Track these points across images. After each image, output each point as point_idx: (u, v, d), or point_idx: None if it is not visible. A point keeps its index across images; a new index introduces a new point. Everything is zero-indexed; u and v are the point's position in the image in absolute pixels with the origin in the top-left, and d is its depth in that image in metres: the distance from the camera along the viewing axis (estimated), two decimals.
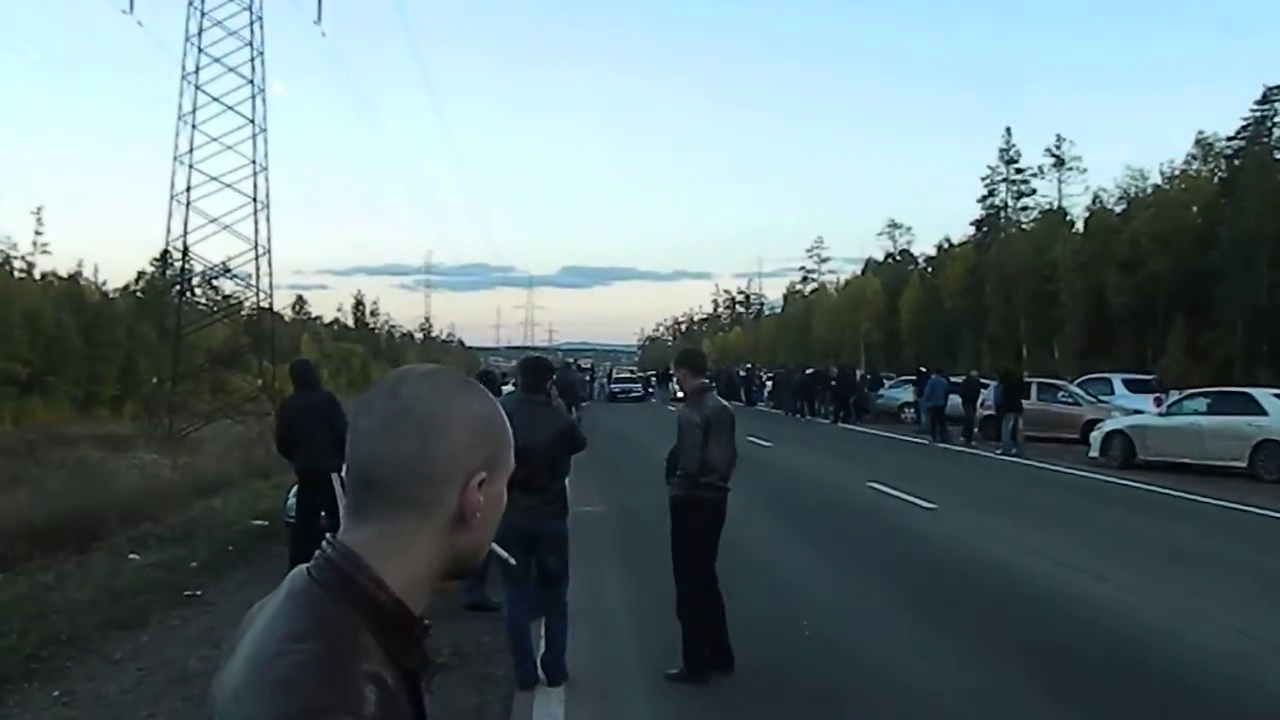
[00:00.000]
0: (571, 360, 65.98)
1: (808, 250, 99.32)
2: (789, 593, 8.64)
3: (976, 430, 24.22)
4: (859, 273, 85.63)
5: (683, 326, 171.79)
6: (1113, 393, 25.71)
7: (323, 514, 8.33)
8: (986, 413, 24.06)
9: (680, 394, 6.61)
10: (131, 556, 9.92)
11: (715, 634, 6.32)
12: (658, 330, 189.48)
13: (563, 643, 6.19)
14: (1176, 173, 49.13)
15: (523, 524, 5.81)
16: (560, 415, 6.30)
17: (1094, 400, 24.32)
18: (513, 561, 1.77)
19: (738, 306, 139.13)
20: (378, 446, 1.09)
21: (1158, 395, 24.83)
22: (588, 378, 49.18)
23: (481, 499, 1.11)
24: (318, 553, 1.09)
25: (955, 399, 25.07)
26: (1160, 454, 17.94)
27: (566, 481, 6.37)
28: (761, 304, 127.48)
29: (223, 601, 8.25)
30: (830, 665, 6.54)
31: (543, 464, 5.87)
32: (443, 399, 1.12)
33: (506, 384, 19.49)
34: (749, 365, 58.82)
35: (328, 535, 1.12)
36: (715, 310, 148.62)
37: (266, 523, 11.54)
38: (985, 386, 24.94)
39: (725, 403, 6.64)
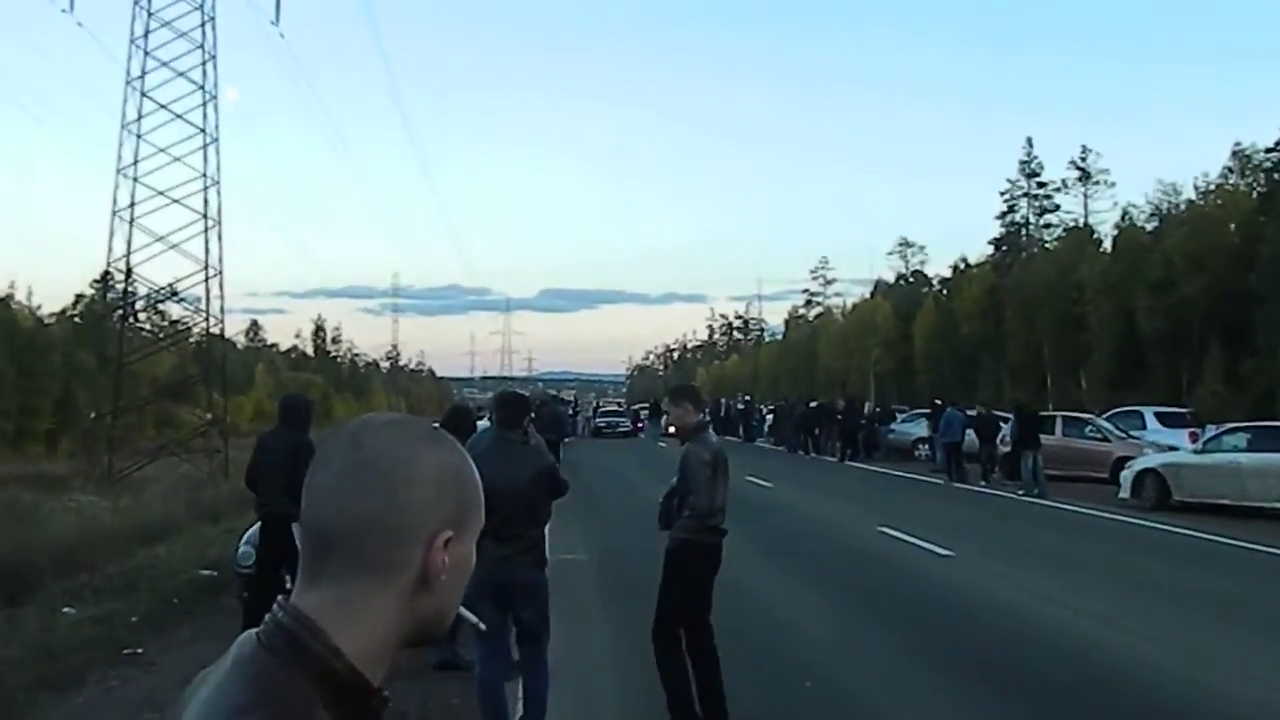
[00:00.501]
0: (553, 391, 66.04)
1: (811, 271, 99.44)
2: (790, 645, 8.64)
3: (997, 470, 24.27)
4: (867, 295, 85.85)
5: (675, 354, 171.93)
6: (1144, 427, 25.78)
7: (282, 567, 8.28)
8: (1007, 449, 24.12)
9: (671, 429, 6.70)
10: (66, 610, 9.84)
11: (713, 693, 6.31)
12: (647, 359, 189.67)
13: (542, 706, 6.16)
14: (1212, 187, 49.46)
15: (496, 576, 5.78)
16: (539, 456, 6.30)
17: (1124, 435, 24.38)
18: (482, 626, 1.78)
19: (735, 332, 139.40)
20: (336, 501, 1.10)
21: (1193, 430, 24.92)
22: (570, 411, 49.12)
23: (447, 560, 1.11)
24: (268, 616, 1.10)
25: (974, 435, 25.15)
26: (1197, 495, 17.98)
27: (546, 529, 6.37)
28: (761, 330, 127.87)
29: (166, 661, 8.19)
30: None
31: (518, 509, 5.84)
32: (408, 450, 1.12)
33: (482, 418, 19.46)
34: (747, 397, 58.89)
35: (279, 598, 1.12)
36: (711, 336, 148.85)
37: (215, 573, 11.47)
38: (1006, 421, 24.99)
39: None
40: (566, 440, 31.24)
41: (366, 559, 1.09)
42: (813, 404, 40.81)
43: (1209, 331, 44.92)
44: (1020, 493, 21.26)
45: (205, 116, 33.74)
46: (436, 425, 1.20)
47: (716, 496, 6.31)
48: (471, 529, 1.17)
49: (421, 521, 1.10)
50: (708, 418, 6.76)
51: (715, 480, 6.28)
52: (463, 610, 1.22)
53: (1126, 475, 19.56)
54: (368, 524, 1.09)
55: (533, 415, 8.28)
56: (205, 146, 33.47)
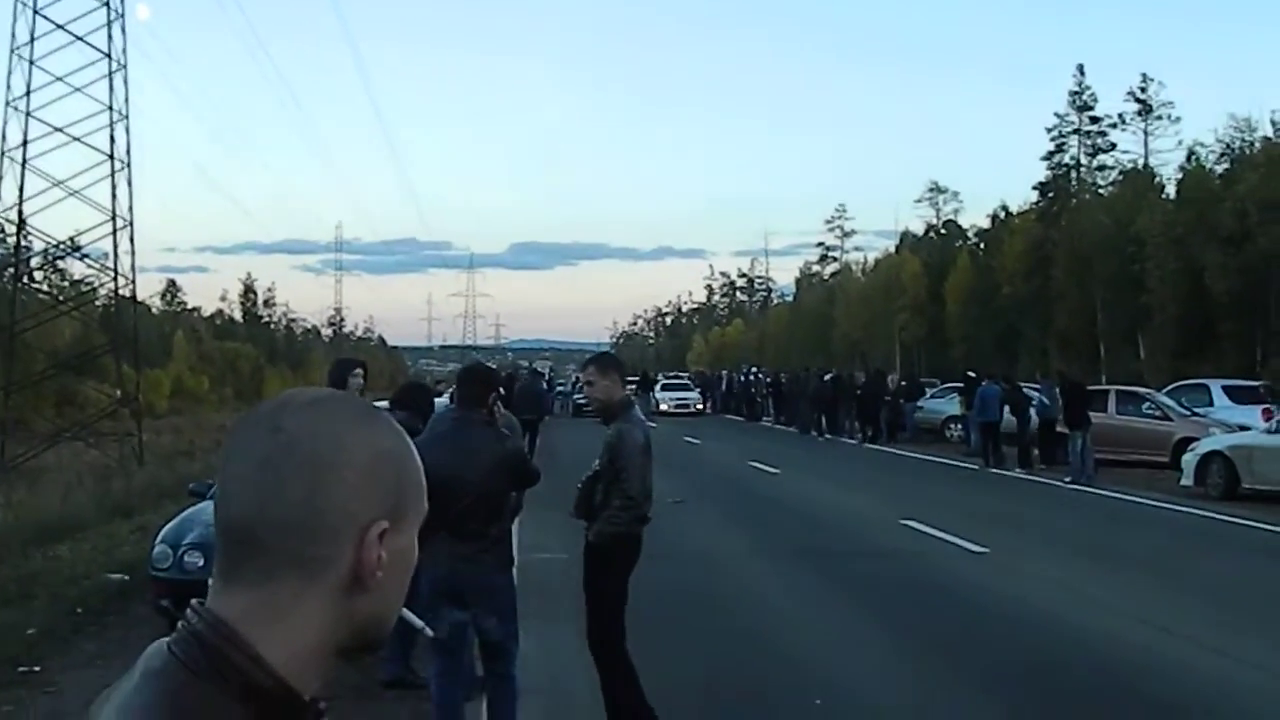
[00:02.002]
0: (525, 363, 66.04)
1: (827, 222, 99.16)
2: (797, 656, 8.70)
3: (1036, 453, 24.44)
4: (892, 250, 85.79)
5: (667, 319, 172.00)
6: (1211, 403, 25.92)
7: None
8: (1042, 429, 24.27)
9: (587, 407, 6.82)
10: None
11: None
12: (635, 324, 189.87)
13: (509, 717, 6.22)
14: None
15: (454, 577, 5.83)
16: (503, 440, 6.32)
17: (1187, 413, 24.51)
18: (429, 631, 1.82)
19: (738, 293, 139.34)
20: (254, 493, 1.11)
21: (1267, 407, 25.04)
22: (544, 385, 49.19)
23: (384, 555, 1.13)
24: (180, 624, 1.11)
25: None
26: (1271, 482, 18.08)
27: (515, 523, 6.40)
28: (768, 290, 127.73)
29: (68, 680, 8.18)
30: None
31: (478, 501, 5.89)
32: (336, 432, 1.14)
33: (442, 395, 19.45)
34: (754, 369, 58.96)
35: (193, 602, 1.14)
36: (710, 298, 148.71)
37: (127, 577, 11.47)
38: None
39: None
40: (545, 420, 31.33)
41: (290, 556, 1.10)
42: (828, 377, 40.84)
43: None
44: (1067, 480, 21.39)
45: (110, 39, 33.34)
46: (372, 402, 1.22)
47: (648, 483, 6.48)
48: (411, 519, 1.18)
49: (352, 513, 1.12)
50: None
51: (647, 465, 6.45)
52: (405, 612, 1.24)
53: (1190, 459, 19.67)
54: (290, 518, 1.10)
55: (502, 392, 8.30)
56: (111, 74, 33.12)
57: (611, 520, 6.40)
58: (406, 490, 1.18)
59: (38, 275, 43.05)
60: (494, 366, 7.81)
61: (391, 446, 1.17)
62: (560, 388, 58.74)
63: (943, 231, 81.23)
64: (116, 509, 17.02)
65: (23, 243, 34.73)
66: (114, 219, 33.10)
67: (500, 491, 6.13)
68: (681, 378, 67.04)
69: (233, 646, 1.08)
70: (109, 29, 33.37)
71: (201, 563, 8.89)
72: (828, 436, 35.94)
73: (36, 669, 8.52)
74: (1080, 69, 63.85)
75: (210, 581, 1.15)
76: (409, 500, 1.18)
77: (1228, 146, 52.47)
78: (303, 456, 1.12)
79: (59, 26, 32.90)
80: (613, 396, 6.61)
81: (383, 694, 7.55)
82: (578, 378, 73.72)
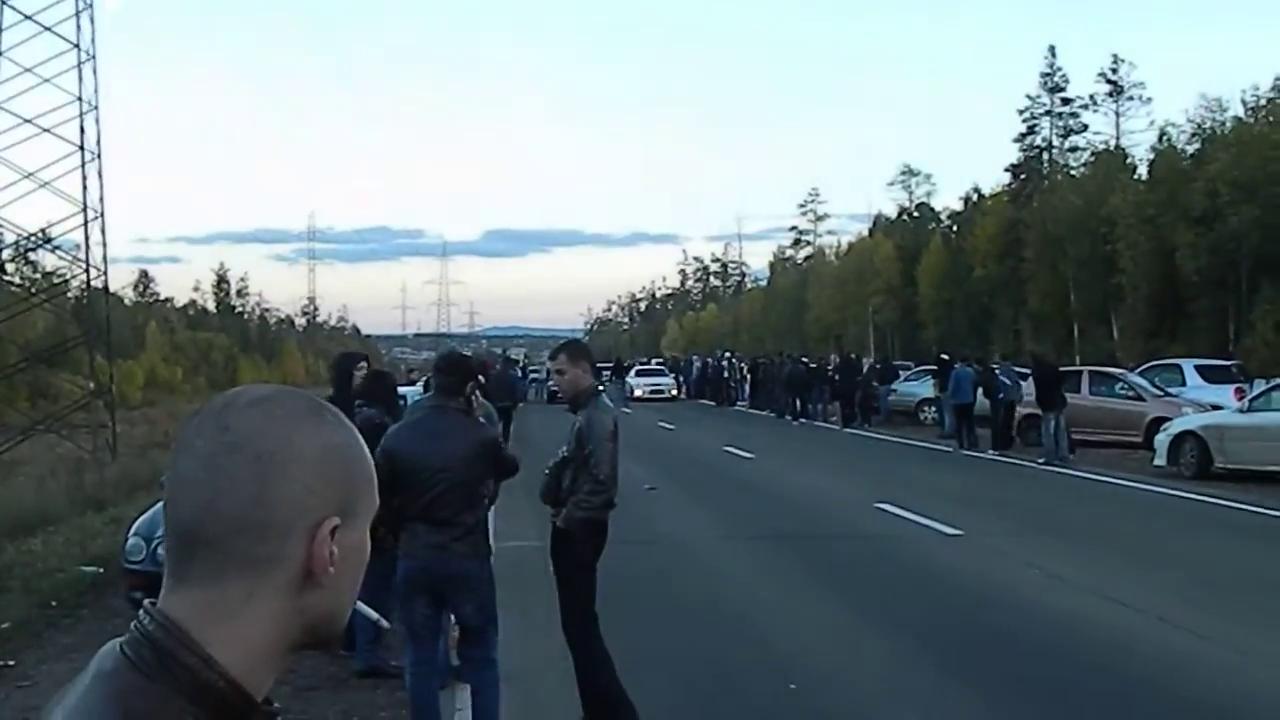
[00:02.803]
0: (498, 350, 65.94)
1: (800, 205, 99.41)
2: (771, 641, 8.74)
3: (1015, 435, 24.56)
4: (865, 233, 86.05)
5: (641, 304, 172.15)
6: (1184, 383, 26.08)
7: None
8: (1028, 410, 24.38)
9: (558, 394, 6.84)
10: None
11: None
12: (609, 310, 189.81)
13: (493, 716, 6.22)
14: (1263, 102, 49.77)
15: (429, 567, 5.84)
16: (479, 428, 6.35)
17: (1160, 393, 24.66)
18: (385, 624, 1.82)
19: (712, 278, 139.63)
20: (202, 492, 1.11)
21: (1240, 386, 25.21)
22: (518, 372, 49.14)
23: (335, 551, 1.13)
24: (133, 624, 1.11)
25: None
26: (1243, 461, 18.23)
27: (490, 512, 6.41)
28: (742, 275, 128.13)
29: (43, 674, 8.17)
30: None
31: (453, 489, 5.91)
32: (283, 429, 1.14)
33: (415, 384, 19.43)
34: (728, 354, 59.09)
35: (145, 602, 1.14)
36: (683, 283, 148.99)
37: (101, 570, 11.44)
38: (1023, 375, 25.18)
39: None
40: (519, 407, 31.41)
41: (241, 555, 1.10)
42: (802, 361, 40.97)
43: (1260, 272, 45.26)
44: (1041, 461, 21.51)
45: (79, 28, 33.08)
46: (318, 398, 1.22)
47: (617, 470, 6.54)
48: (363, 514, 1.18)
49: (301, 510, 1.12)
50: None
51: (616, 452, 6.51)
52: (360, 606, 1.24)
53: (1162, 439, 19.79)
54: (240, 516, 1.10)
55: (481, 380, 8.27)
56: (80, 65, 32.87)
57: (580, 505, 6.43)
58: (357, 485, 1.17)
59: (9, 267, 42.93)
60: (469, 354, 7.79)
61: (340, 441, 1.17)
62: (535, 374, 58.69)
63: (915, 214, 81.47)
64: (90, 501, 16.97)
65: None
66: (85, 210, 32.91)
67: (476, 480, 6.14)
68: (658, 363, 67.22)
69: (184, 647, 1.08)
70: (78, 19, 33.10)
71: None
72: (802, 421, 36.05)
73: (11, 663, 8.51)
74: (1052, 50, 64.20)
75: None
76: (359, 495, 1.18)
77: (1199, 127, 52.65)
78: (251, 454, 1.12)
79: (27, 17, 32.64)
80: (580, 385, 6.63)
81: (357, 684, 7.55)
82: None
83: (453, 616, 6.30)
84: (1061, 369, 24.66)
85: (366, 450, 1.21)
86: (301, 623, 1.14)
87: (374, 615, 1.31)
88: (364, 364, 9.00)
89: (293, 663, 1.16)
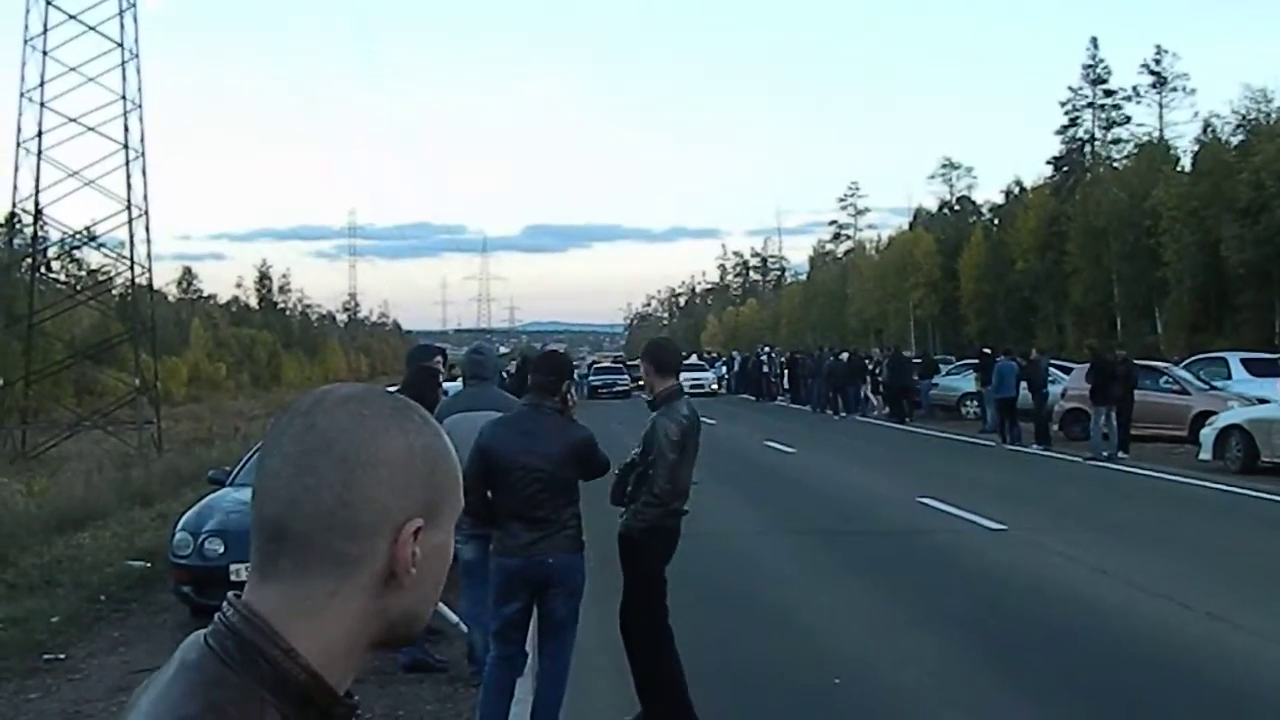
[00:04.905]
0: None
1: (840, 200, 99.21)
2: (816, 635, 8.74)
3: (1058, 429, 24.40)
4: (905, 227, 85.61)
5: (681, 299, 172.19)
6: (1230, 376, 25.84)
7: None
8: (1072, 405, 24.21)
9: (648, 398, 6.81)
10: None
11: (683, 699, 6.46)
12: (649, 305, 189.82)
13: (554, 711, 6.24)
14: None
15: (528, 567, 5.92)
16: (573, 429, 6.40)
17: (1206, 387, 24.45)
18: (464, 628, 1.83)
19: (752, 273, 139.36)
20: (288, 490, 1.13)
21: None
22: None
23: (418, 552, 1.14)
24: (216, 616, 1.13)
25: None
26: None
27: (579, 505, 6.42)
28: (782, 269, 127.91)
29: (93, 667, 8.25)
30: None
31: (548, 488, 6.02)
32: (370, 429, 1.15)
33: (456, 379, 19.43)
34: (768, 349, 59.00)
35: (229, 595, 1.16)
36: (723, 278, 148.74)
37: (148, 564, 11.56)
38: (1067, 370, 25.04)
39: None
40: None
41: (326, 552, 1.12)
42: (842, 355, 40.82)
43: None
44: (1088, 456, 21.35)
45: (123, 28, 33.45)
46: (406, 399, 1.23)
47: (681, 480, 6.49)
48: (447, 516, 1.19)
49: (386, 511, 1.13)
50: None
51: (682, 461, 6.45)
52: (441, 608, 1.26)
53: (1208, 433, 19.62)
54: (323, 516, 1.12)
55: (575, 379, 8.21)
56: (124, 64, 33.20)
57: (638, 515, 6.47)
58: (441, 487, 1.19)
59: (55, 265, 43.31)
60: (501, 349, 7.82)
61: (426, 443, 1.19)
62: (575, 369, 58.84)
63: (956, 208, 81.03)
64: (136, 496, 17.12)
65: (40, 233, 34.89)
66: (129, 208, 33.25)
67: (570, 479, 6.22)
68: (702, 358, 67.30)
69: (267, 640, 1.10)
70: (121, 18, 33.47)
71: (221, 549, 8.96)
72: (841, 415, 35.93)
73: (61, 656, 8.59)
74: (1094, 42, 63.65)
75: (247, 575, 1.17)
76: (444, 497, 1.19)
77: (1243, 118, 52.09)
78: (338, 454, 1.13)
79: (71, 17, 32.98)
80: (655, 386, 6.67)
81: (403, 678, 7.58)
82: (593, 360, 73.85)
83: (536, 610, 6.32)
84: (1136, 361, 24.36)
85: (453, 452, 1.22)
86: (382, 621, 1.15)
87: (454, 618, 1.32)
88: (440, 357, 9.28)
89: None
